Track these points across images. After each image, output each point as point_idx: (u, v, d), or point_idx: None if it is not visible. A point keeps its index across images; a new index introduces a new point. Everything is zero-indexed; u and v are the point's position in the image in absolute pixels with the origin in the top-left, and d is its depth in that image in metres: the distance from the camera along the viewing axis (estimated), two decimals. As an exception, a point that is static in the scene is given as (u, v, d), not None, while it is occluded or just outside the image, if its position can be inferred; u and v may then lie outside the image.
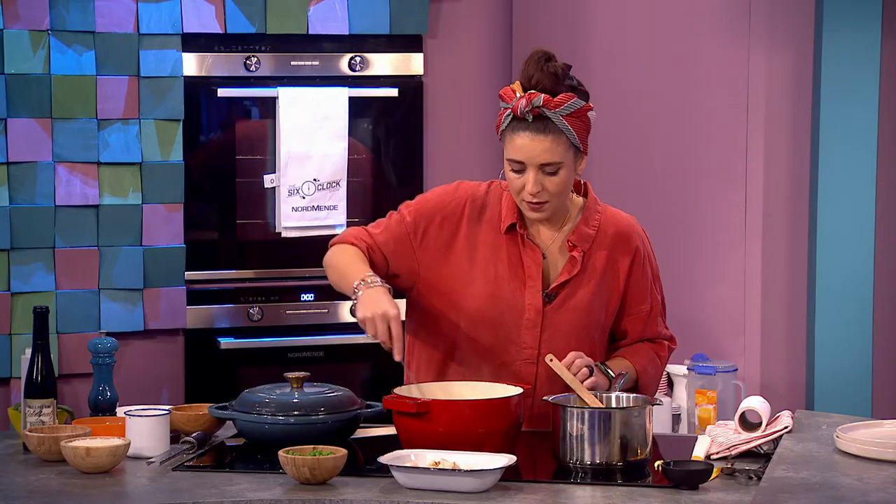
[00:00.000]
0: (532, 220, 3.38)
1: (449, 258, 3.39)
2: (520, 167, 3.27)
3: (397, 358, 3.19)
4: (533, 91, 3.24)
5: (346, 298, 5.04)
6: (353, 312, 3.28)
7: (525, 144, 3.25)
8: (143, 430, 3.15)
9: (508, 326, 3.36)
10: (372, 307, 3.19)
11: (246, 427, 3.23)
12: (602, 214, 3.43)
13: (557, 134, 3.24)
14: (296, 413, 3.19)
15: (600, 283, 3.39)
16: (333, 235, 4.91)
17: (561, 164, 3.27)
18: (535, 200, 3.28)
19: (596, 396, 3.19)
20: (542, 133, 3.24)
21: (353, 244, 3.41)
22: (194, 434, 3.21)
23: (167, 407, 3.32)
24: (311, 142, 4.99)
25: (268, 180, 4.99)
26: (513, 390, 3.18)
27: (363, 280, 3.25)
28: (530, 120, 3.24)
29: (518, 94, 3.26)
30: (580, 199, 3.43)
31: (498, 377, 3.34)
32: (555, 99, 3.23)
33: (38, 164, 4.77)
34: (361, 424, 3.32)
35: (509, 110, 3.27)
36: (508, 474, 2.90)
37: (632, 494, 2.84)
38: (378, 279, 3.26)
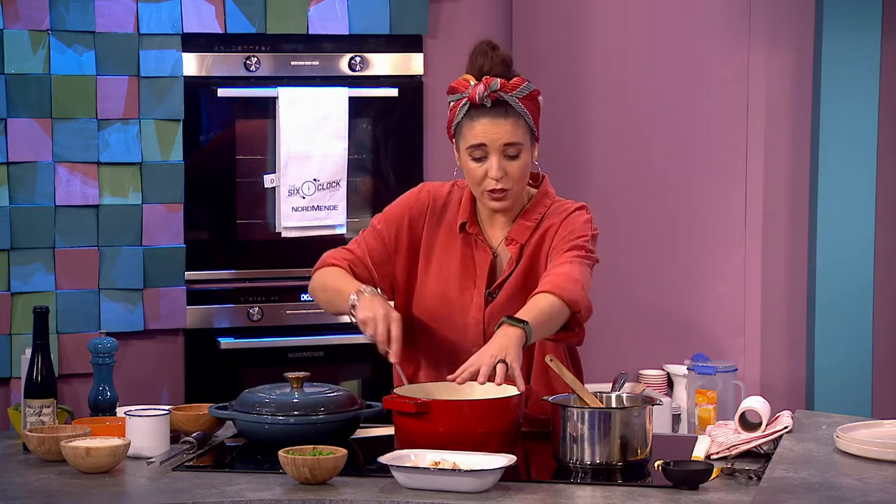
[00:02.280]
0: (491, 212, 3.37)
1: (414, 258, 3.42)
2: (481, 154, 3.28)
3: (393, 359, 3.20)
4: (488, 76, 3.26)
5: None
6: (350, 318, 3.28)
7: (486, 129, 3.26)
8: (143, 430, 3.15)
9: (458, 326, 3.37)
10: (374, 308, 3.21)
11: (246, 427, 3.23)
12: (549, 207, 3.39)
13: (517, 117, 3.27)
14: (296, 413, 3.19)
15: (531, 273, 3.37)
16: (334, 235, 4.96)
17: (522, 146, 3.28)
18: (498, 187, 3.28)
19: (596, 396, 3.19)
20: (502, 117, 3.26)
21: (334, 265, 3.42)
22: (194, 434, 3.21)
23: (167, 407, 3.32)
24: (311, 142, 4.99)
25: (268, 180, 4.99)
26: (513, 390, 3.18)
27: (359, 290, 3.28)
28: (489, 105, 3.26)
29: (472, 83, 3.27)
30: (533, 191, 3.43)
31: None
32: (510, 83, 3.27)
33: (38, 164, 4.77)
34: (361, 424, 3.32)
35: (465, 100, 3.28)
36: (508, 474, 2.90)
37: (632, 494, 2.84)
38: (374, 289, 3.29)
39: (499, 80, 3.26)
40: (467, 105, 3.28)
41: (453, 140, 3.35)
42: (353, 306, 3.26)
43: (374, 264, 3.41)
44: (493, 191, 3.29)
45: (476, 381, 3.05)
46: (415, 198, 3.45)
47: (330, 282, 3.39)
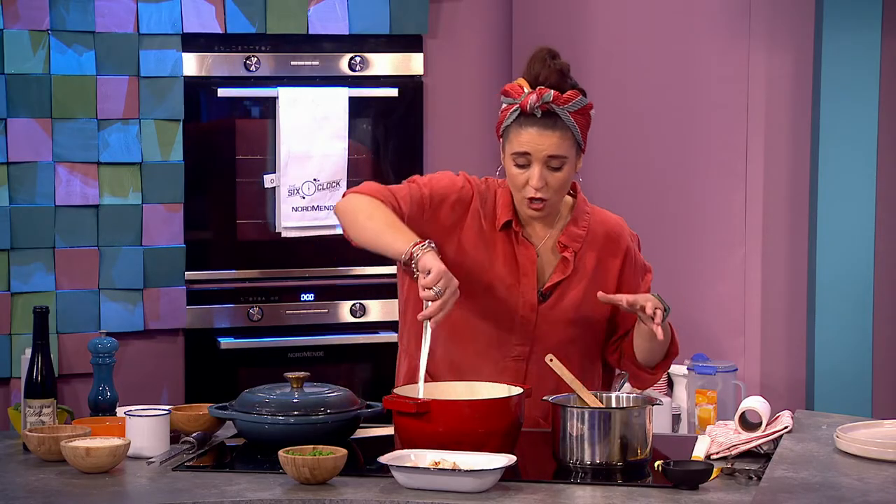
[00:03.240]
0: (529, 218, 3.38)
1: (449, 244, 3.37)
2: (525, 161, 3.28)
3: (433, 326, 3.14)
4: (542, 87, 3.26)
5: (346, 295, 5.06)
6: (402, 258, 3.19)
7: (532, 139, 3.26)
8: (143, 430, 3.15)
9: (501, 322, 3.37)
10: (445, 268, 3.14)
11: (246, 427, 3.23)
12: (591, 215, 3.44)
13: (564, 130, 3.27)
14: (296, 413, 3.19)
15: (591, 282, 3.38)
16: (333, 236, 4.95)
17: (566, 160, 3.29)
18: (537, 196, 3.29)
19: (596, 396, 3.19)
20: (549, 129, 3.26)
21: (382, 202, 3.31)
22: (194, 434, 3.21)
23: (167, 407, 3.32)
24: (311, 142, 4.99)
25: (268, 180, 4.99)
26: (513, 390, 3.18)
27: (426, 242, 3.18)
28: (539, 115, 3.26)
29: (526, 90, 3.27)
30: (570, 199, 3.44)
31: (487, 372, 3.34)
32: (563, 95, 3.26)
33: (38, 164, 4.77)
34: (361, 424, 3.32)
35: (516, 106, 3.27)
36: (508, 474, 2.90)
37: (632, 494, 2.84)
38: (434, 247, 3.20)
39: (552, 91, 3.25)
40: (518, 111, 3.28)
41: (500, 140, 3.35)
42: (417, 252, 3.14)
43: (410, 223, 3.32)
44: (531, 199, 3.30)
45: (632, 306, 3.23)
46: (460, 184, 3.40)
47: (379, 216, 3.26)
